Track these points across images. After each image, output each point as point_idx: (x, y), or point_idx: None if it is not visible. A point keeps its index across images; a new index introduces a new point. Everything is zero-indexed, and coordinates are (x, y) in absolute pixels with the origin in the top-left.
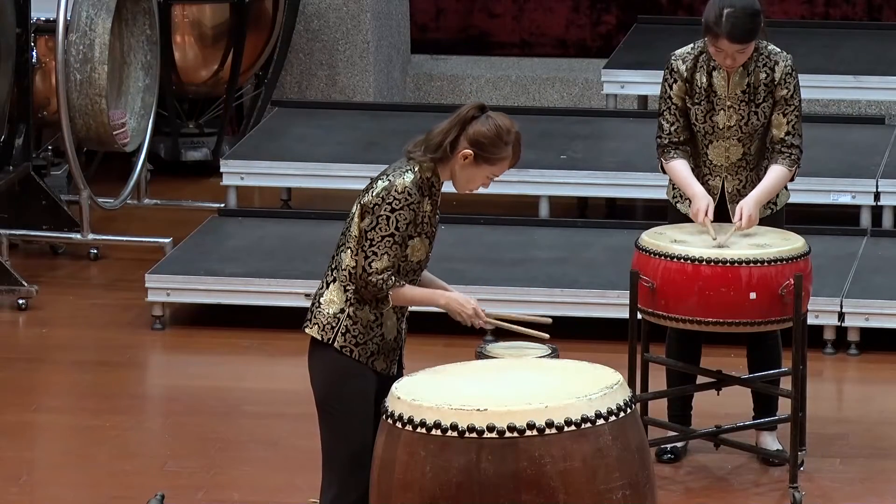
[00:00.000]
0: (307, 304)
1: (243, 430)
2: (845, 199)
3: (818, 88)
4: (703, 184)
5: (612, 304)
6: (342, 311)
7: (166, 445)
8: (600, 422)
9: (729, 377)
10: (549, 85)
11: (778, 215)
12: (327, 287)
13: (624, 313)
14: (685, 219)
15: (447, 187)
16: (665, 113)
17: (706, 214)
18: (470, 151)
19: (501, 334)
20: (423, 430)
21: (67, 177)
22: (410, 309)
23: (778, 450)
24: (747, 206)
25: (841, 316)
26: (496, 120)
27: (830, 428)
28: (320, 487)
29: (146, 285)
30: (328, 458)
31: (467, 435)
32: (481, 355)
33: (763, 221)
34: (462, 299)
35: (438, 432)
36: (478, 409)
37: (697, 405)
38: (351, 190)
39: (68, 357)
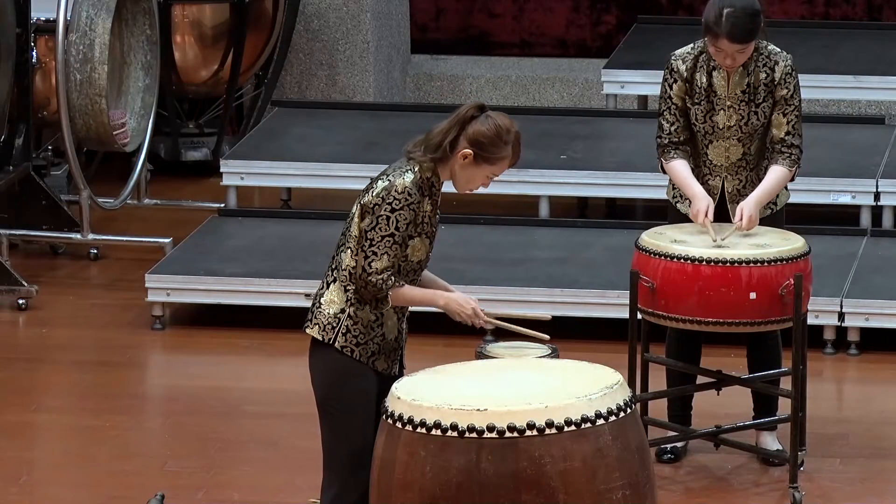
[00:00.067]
0: (307, 304)
1: (243, 430)
2: (845, 199)
3: (818, 88)
4: (703, 184)
5: (612, 304)
6: (343, 311)
7: (166, 445)
8: (600, 422)
9: (729, 377)
10: (549, 85)
11: (778, 215)
12: (328, 287)
13: (624, 313)
14: (685, 219)
15: (447, 187)
16: (665, 113)
17: (706, 215)
18: (470, 151)
19: (501, 334)
20: (423, 430)
21: (67, 177)
22: (410, 309)
23: (778, 450)
24: (748, 206)
25: (841, 316)
26: (496, 120)
27: (830, 428)
28: (321, 487)
29: (146, 285)
30: (329, 457)
31: (467, 435)
32: (481, 355)
33: (763, 221)
34: (461, 299)
35: (438, 432)
36: (478, 409)
37: (697, 405)
38: (351, 190)
39: (68, 357)
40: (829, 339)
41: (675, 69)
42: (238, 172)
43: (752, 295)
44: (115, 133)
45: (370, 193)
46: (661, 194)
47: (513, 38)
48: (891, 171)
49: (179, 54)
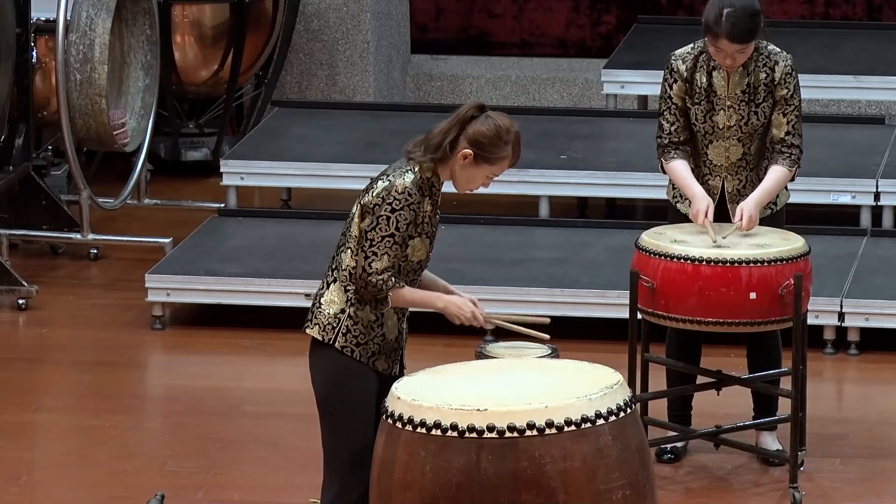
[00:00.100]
0: (307, 304)
1: (243, 430)
2: (845, 199)
3: (818, 88)
4: (703, 184)
5: (612, 304)
6: (343, 311)
7: (166, 445)
8: (600, 422)
9: (729, 377)
10: (549, 85)
11: (778, 215)
12: (328, 287)
13: (624, 313)
14: (685, 219)
15: (447, 187)
16: (665, 113)
17: (706, 215)
18: (470, 151)
19: (501, 334)
20: (423, 430)
21: (67, 177)
22: (410, 309)
23: (778, 450)
24: (748, 207)
25: (841, 316)
26: (496, 120)
27: (830, 428)
28: (321, 487)
29: (146, 285)
30: (329, 458)
31: (467, 435)
32: (481, 355)
33: (763, 221)
34: (460, 302)
35: (438, 432)
36: (478, 409)
37: (697, 405)
38: (351, 190)
39: (68, 357)
40: (829, 339)
41: (675, 69)
42: (238, 172)
43: (752, 295)
44: (115, 133)
45: (370, 194)
46: (661, 194)
47: (513, 38)
48: (891, 171)
49: (179, 54)
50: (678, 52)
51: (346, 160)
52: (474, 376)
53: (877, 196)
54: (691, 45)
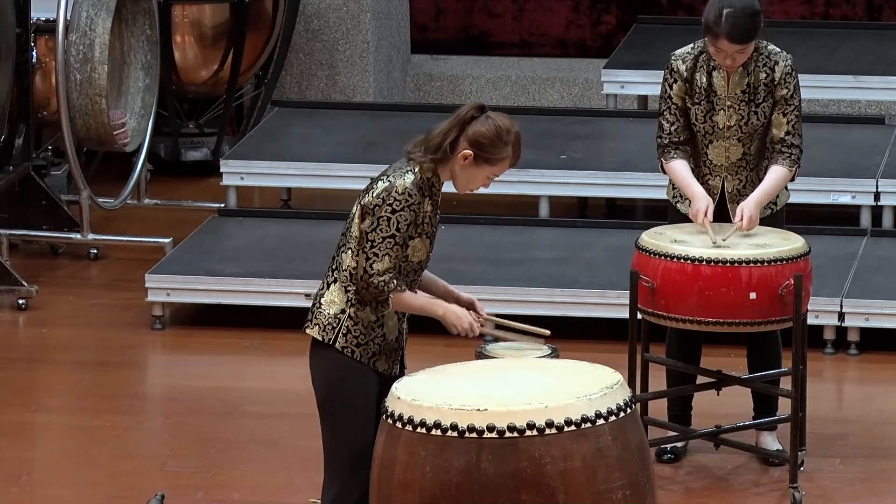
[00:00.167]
0: (307, 304)
1: (243, 430)
2: (845, 199)
3: (818, 88)
4: (703, 184)
5: (612, 304)
6: (343, 311)
7: (166, 445)
8: (600, 422)
9: (729, 377)
10: (549, 85)
11: (778, 215)
12: (328, 287)
13: (624, 313)
14: (685, 219)
15: (447, 187)
16: (665, 113)
17: (706, 215)
18: (470, 152)
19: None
20: (423, 430)
21: (67, 177)
22: None
23: (778, 450)
24: (748, 207)
25: (841, 316)
26: (496, 120)
27: (830, 428)
28: (321, 487)
29: (146, 285)
30: (329, 458)
31: (467, 435)
32: (481, 355)
33: (763, 221)
34: (460, 312)
35: (438, 432)
36: (478, 409)
37: (697, 405)
38: (351, 190)
39: (68, 357)
40: (829, 339)
41: (675, 69)
42: (238, 172)
43: (752, 295)
44: (115, 133)
45: (370, 194)
46: (661, 194)
47: (513, 38)
48: (891, 171)
49: (179, 54)
50: (678, 52)
51: (346, 160)
52: (474, 376)
53: (877, 196)
54: (691, 45)
